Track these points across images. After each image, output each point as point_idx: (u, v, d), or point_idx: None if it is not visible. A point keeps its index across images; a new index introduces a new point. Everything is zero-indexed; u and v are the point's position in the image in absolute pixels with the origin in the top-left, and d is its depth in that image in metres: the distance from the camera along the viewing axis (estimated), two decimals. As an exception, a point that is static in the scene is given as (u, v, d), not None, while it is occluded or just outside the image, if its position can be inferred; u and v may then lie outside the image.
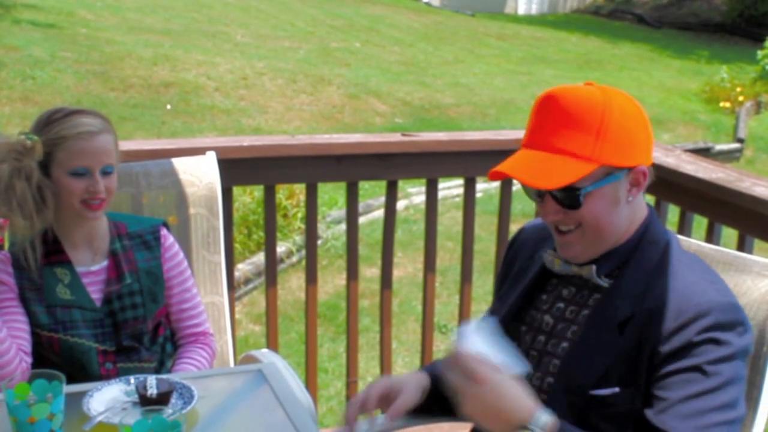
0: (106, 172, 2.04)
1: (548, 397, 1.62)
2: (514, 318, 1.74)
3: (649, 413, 1.53)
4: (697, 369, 1.49)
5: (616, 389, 1.56)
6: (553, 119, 1.54)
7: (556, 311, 1.69)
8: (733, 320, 1.51)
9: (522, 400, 1.48)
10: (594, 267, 1.61)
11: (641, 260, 1.60)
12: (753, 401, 1.77)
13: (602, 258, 1.62)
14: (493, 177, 1.57)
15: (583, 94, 1.55)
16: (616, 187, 1.57)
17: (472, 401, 1.48)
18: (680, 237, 2.01)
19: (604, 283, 1.62)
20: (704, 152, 9.12)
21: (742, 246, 2.59)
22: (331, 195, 6.78)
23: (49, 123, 2.02)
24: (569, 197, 1.55)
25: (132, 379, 1.84)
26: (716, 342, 1.49)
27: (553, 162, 1.52)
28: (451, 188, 6.86)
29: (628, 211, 1.60)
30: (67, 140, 2.00)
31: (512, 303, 1.76)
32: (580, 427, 1.54)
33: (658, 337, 1.51)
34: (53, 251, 2.09)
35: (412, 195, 7.21)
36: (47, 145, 2.00)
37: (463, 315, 3.20)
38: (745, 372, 1.56)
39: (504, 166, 1.56)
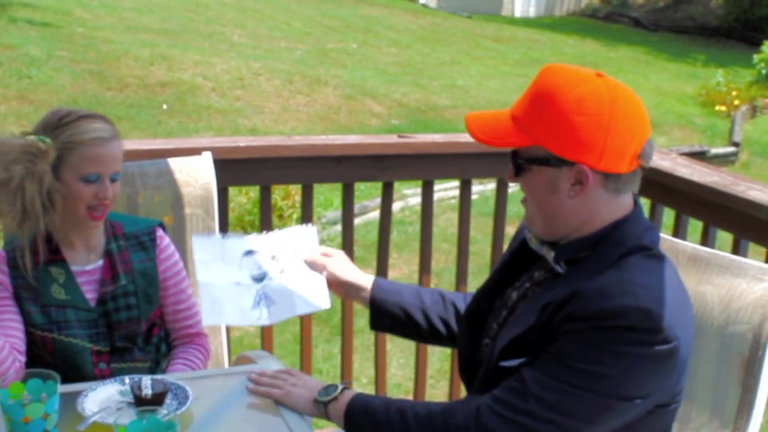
0: (113, 179, 2.05)
1: (482, 368, 1.70)
2: (489, 291, 1.80)
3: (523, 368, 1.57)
4: (582, 346, 1.51)
5: (519, 360, 1.58)
6: (529, 88, 1.60)
7: (522, 290, 1.72)
8: (643, 327, 1.48)
9: (309, 383, 1.83)
10: (552, 253, 1.63)
11: (600, 255, 1.59)
12: (747, 405, 1.78)
13: (562, 245, 1.63)
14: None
15: (561, 76, 1.57)
16: (555, 176, 1.56)
17: (282, 395, 1.82)
18: (676, 240, 2.01)
19: (561, 270, 1.63)
20: (700, 156, 9.13)
21: (736, 249, 2.59)
22: (327, 196, 6.79)
23: (60, 126, 2.00)
24: (513, 161, 1.62)
25: (127, 379, 1.84)
26: (609, 336, 1.49)
27: (506, 124, 1.60)
28: (447, 190, 6.87)
29: (576, 205, 1.58)
30: (81, 145, 1.99)
31: (489, 278, 1.83)
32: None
33: (566, 317, 1.53)
34: (49, 250, 2.08)
35: (408, 196, 7.22)
36: (58, 148, 1.99)
37: (458, 317, 3.19)
38: (649, 379, 1.52)
39: (473, 113, 1.66)
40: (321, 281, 2.03)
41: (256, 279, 2.00)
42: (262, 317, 1.99)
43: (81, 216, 2.04)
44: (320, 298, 2.02)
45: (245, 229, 5.68)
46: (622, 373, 1.50)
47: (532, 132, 1.56)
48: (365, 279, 2.02)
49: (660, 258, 1.61)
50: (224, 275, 2.01)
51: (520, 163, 1.60)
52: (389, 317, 1.99)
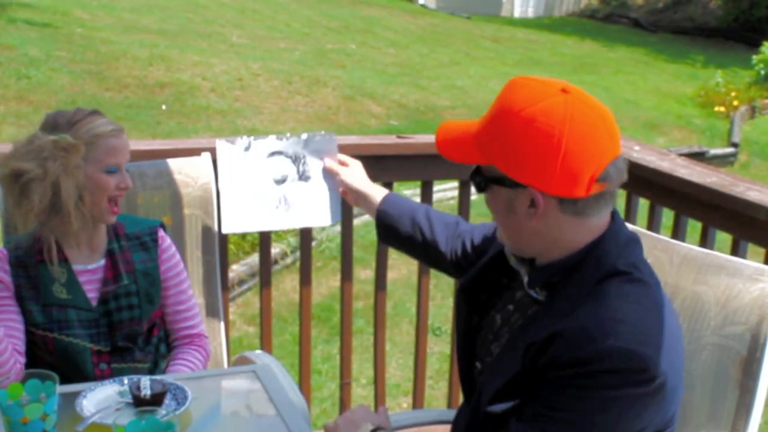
0: (126, 169, 2.10)
1: (468, 405, 1.66)
2: (467, 286, 1.77)
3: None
4: (569, 396, 1.45)
5: (506, 405, 1.53)
6: (493, 103, 1.52)
7: (505, 313, 1.67)
8: (628, 368, 1.42)
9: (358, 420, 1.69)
10: (526, 278, 1.58)
11: (579, 280, 1.50)
12: (746, 406, 1.78)
13: (537, 269, 1.56)
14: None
15: (521, 92, 1.47)
16: (511, 197, 1.50)
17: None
18: (671, 240, 2.02)
19: (538, 296, 1.56)
20: (699, 156, 9.13)
21: (735, 250, 2.59)
22: (326, 196, 6.78)
23: (75, 122, 2.02)
24: (472, 178, 1.56)
25: (126, 380, 1.84)
26: (594, 381, 1.43)
27: (468, 140, 1.52)
28: (446, 191, 6.86)
29: (536, 227, 1.50)
30: (104, 138, 2.03)
31: (471, 272, 1.78)
32: None
33: (549, 362, 1.46)
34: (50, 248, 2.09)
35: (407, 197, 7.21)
36: (84, 143, 2.01)
37: (457, 317, 3.20)
38: (640, 417, 1.47)
39: (447, 122, 1.61)
40: (335, 195, 2.27)
41: (277, 182, 2.18)
42: (280, 221, 2.22)
43: (104, 209, 2.06)
44: (332, 213, 2.29)
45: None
46: (612, 417, 1.45)
47: (488, 150, 1.48)
48: (376, 192, 2.17)
49: (640, 281, 1.51)
50: (247, 179, 2.22)
51: (478, 181, 1.55)
52: (390, 233, 2.13)
